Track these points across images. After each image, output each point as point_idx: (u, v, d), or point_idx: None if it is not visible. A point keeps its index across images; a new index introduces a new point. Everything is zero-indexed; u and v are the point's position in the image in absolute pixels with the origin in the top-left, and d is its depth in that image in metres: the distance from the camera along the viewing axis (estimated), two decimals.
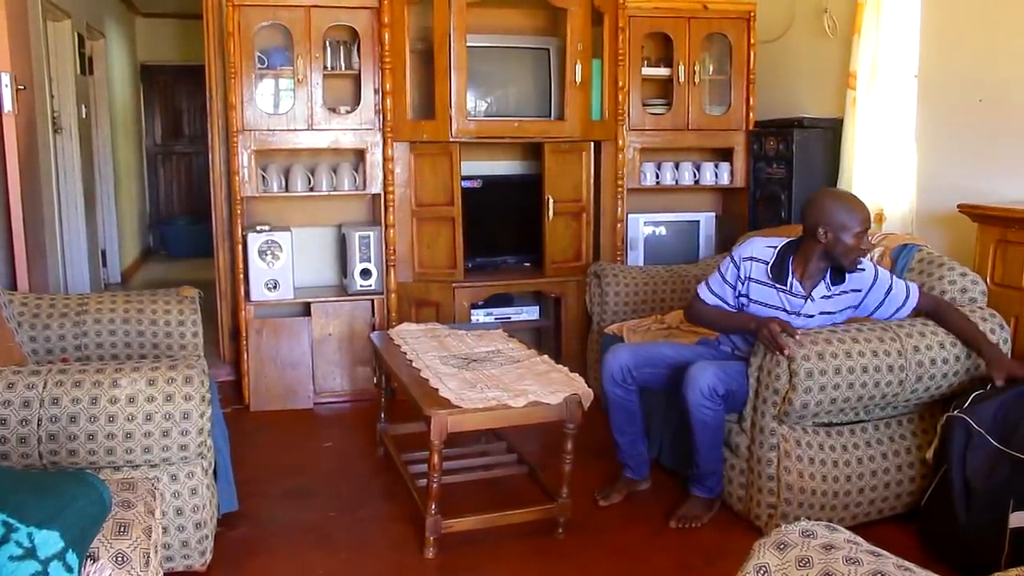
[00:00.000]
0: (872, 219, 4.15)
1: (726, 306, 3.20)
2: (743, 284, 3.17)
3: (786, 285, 3.10)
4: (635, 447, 3.39)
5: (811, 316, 3.10)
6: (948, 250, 3.73)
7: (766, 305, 3.12)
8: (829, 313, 3.12)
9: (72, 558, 1.54)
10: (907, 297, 3.12)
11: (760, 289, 3.14)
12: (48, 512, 1.54)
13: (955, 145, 3.92)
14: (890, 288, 3.11)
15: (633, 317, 4.36)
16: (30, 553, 1.48)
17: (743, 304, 3.18)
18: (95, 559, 1.65)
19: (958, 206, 3.51)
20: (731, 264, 3.20)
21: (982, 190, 3.67)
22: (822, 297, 3.09)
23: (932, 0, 3.98)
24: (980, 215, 3.43)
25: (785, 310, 3.10)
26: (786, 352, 2.87)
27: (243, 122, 4.40)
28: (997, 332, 3.11)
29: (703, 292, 3.26)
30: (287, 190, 4.60)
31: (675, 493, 3.37)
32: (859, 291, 3.11)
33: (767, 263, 3.13)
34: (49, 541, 1.51)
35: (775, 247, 3.14)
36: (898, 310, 3.12)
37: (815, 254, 3.03)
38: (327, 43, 4.51)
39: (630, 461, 3.40)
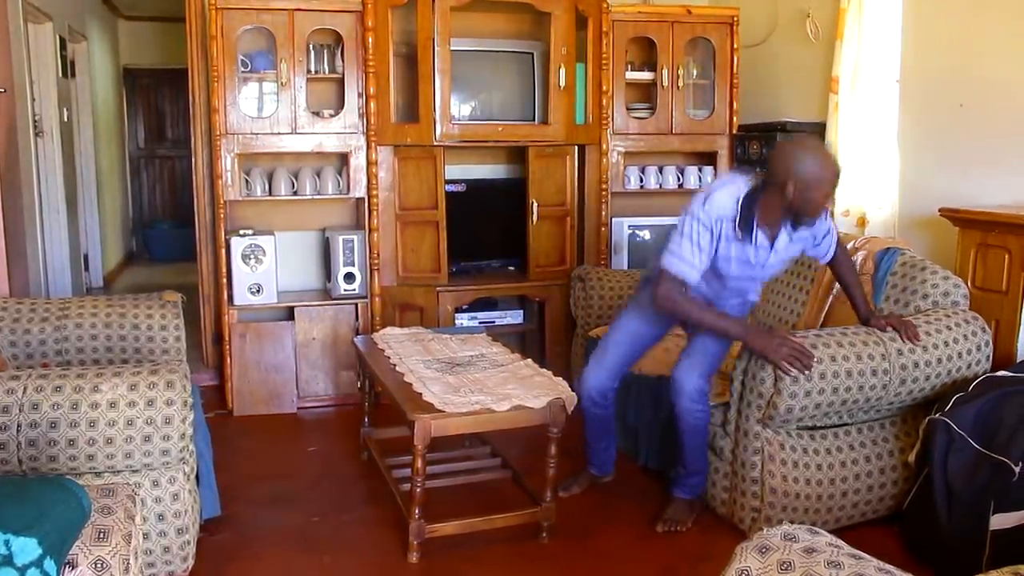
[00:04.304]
0: (855, 223, 4.19)
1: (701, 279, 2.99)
2: (714, 244, 2.93)
3: (751, 238, 2.91)
4: (608, 451, 3.46)
5: (772, 265, 3.02)
6: (930, 254, 3.75)
7: (730, 259, 2.96)
8: (787, 258, 3.04)
9: (50, 565, 1.52)
10: (832, 243, 3.12)
11: (726, 244, 2.92)
12: (26, 519, 1.53)
13: (936, 149, 3.95)
14: (828, 230, 3.07)
15: None
16: (7, 560, 1.47)
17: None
18: (74, 566, 1.64)
19: (939, 210, 3.54)
20: (702, 229, 2.89)
21: (963, 194, 3.70)
22: (785, 245, 2.97)
23: (914, 6, 4.02)
24: (961, 219, 3.45)
25: (749, 261, 2.96)
26: (806, 372, 2.84)
27: (226, 126, 4.38)
28: (979, 335, 3.13)
29: (684, 271, 2.92)
30: (271, 194, 4.59)
31: (659, 497, 3.37)
32: (812, 230, 3.02)
33: (733, 218, 2.89)
34: (27, 548, 1.49)
35: (737, 199, 2.89)
36: (826, 253, 3.14)
37: (778, 205, 2.84)
38: (311, 47, 4.50)
39: (598, 460, 3.46)
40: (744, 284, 3.10)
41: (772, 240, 2.94)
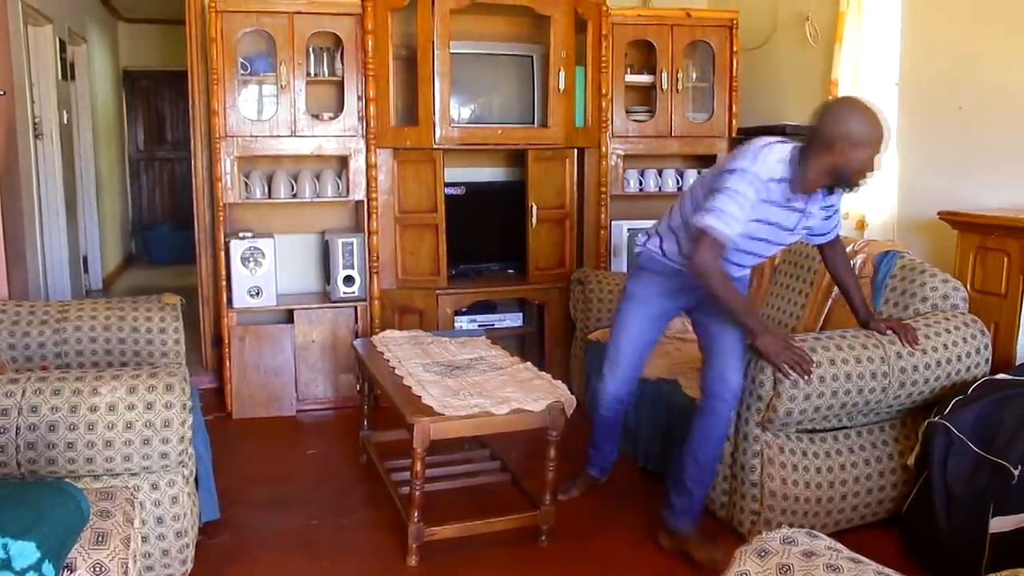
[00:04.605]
0: (854, 226, 4.20)
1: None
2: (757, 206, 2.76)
3: (790, 201, 2.79)
4: (612, 452, 3.47)
5: (799, 231, 2.91)
6: (929, 257, 3.75)
7: (765, 224, 2.83)
8: (812, 223, 2.93)
9: (48, 569, 1.52)
10: (838, 222, 3.05)
11: (765, 208, 2.77)
12: (25, 523, 1.53)
13: (935, 152, 3.95)
14: (838, 209, 3.02)
15: None
16: (5, 564, 1.47)
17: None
18: (72, 569, 1.64)
19: (938, 213, 3.54)
20: (753, 188, 2.70)
21: (962, 197, 3.70)
22: (816, 210, 2.86)
23: (913, 9, 4.02)
24: (960, 222, 3.45)
25: (783, 227, 2.85)
26: (805, 377, 2.82)
27: (226, 128, 4.38)
28: (978, 338, 3.13)
29: (724, 232, 2.70)
30: (270, 196, 4.59)
31: (660, 499, 3.34)
32: (829, 198, 2.89)
33: (781, 180, 2.74)
34: (25, 552, 1.49)
35: (785, 160, 2.75)
36: (831, 230, 3.05)
37: (823, 168, 2.69)
38: (310, 49, 4.50)
39: (600, 462, 3.47)
40: (755, 251, 2.96)
41: (805, 204, 2.82)
